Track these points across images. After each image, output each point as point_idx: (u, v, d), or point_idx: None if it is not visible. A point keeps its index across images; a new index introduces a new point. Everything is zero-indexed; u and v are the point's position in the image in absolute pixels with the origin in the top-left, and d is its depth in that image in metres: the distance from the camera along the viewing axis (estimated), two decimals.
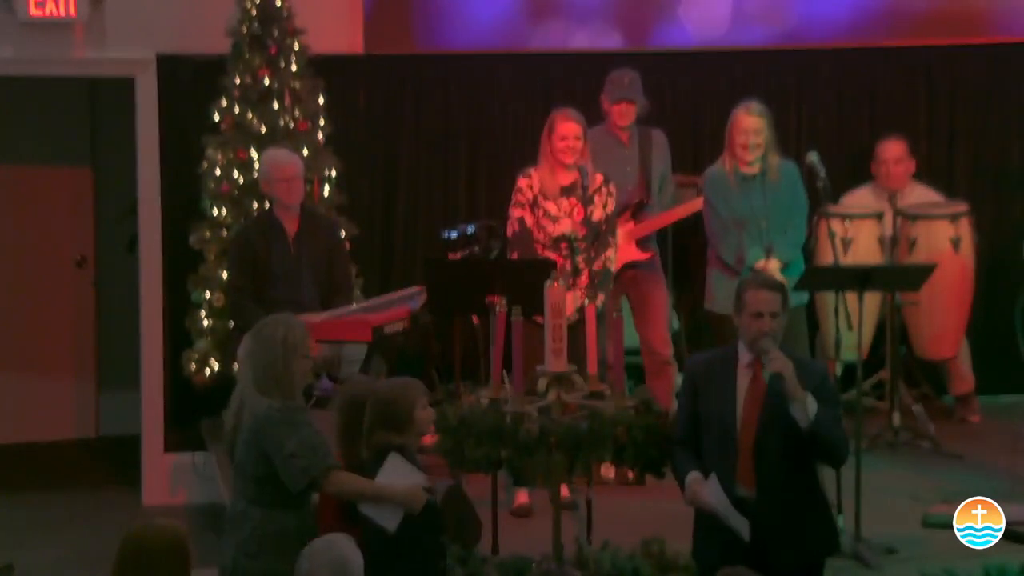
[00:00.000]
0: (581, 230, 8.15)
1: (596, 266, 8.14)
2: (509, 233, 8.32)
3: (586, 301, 7.25)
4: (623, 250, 8.78)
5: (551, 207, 8.19)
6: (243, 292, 8.66)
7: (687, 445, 6.27)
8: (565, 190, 8.19)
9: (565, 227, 8.18)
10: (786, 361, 6.07)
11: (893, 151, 9.75)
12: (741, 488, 6.19)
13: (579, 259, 8.04)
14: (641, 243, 8.86)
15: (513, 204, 8.25)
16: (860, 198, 9.75)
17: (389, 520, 6.00)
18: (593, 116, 9.12)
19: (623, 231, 8.78)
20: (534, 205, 8.20)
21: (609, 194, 8.19)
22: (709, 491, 6.12)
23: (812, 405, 6.11)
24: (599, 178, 8.24)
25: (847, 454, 6.43)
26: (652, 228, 8.91)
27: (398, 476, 6.07)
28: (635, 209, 8.84)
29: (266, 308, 8.57)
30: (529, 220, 8.18)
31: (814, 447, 6.17)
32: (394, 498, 6.01)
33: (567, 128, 8.16)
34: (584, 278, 7.99)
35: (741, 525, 6.11)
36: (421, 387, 6.27)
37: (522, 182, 8.24)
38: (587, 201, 8.13)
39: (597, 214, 8.20)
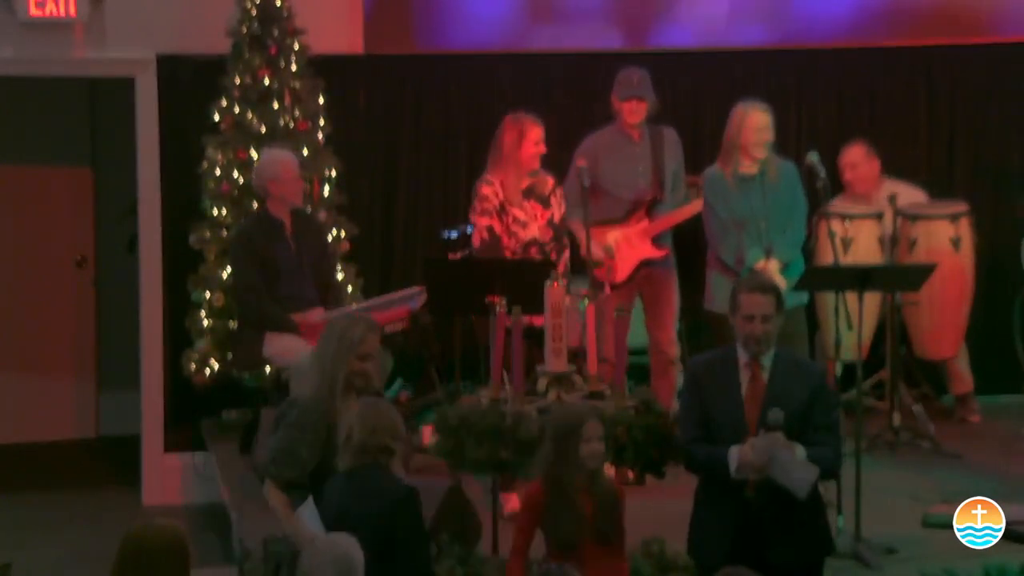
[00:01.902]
0: (547, 233, 8.22)
1: (560, 268, 8.19)
2: (477, 243, 8.33)
3: (586, 301, 7.26)
4: (639, 248, 8.81)
5: (518, 213, 8.23)
6: (260, 292, 8.65)
7: (701, 443, 6.23)
8: (525, 193, 8.25)
9: (533, 232, 8.23)
10: (757, 463, 6.05)
11: (851, 157, 9.74)
12: (748, 489, 6.17)
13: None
14: (656, 240, 8.88)
15: (479, 213, 8.28)
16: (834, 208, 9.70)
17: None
18: (594, 116, 9.13)
19: (638, 229, 8.80)
20: (501, 212, 8.23)
21: (562, 196, 8.25)
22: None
23: (805, 472, 6.08)
24: (550, 181, 8.30)
25: (840, 466, 6.42)
26: (667, 225, 8.92)
27: (314, 520, 6.07)
28: (649, 206, 8.86)
29: (278, 305, 8.65)
30: (497, 228, 8.21)
31: None
32: (293, 535, 6.07)
33: (538, 133, 8.24)
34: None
35: (804, 478, 6.06)
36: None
37: (486, 190, 8.27)
38: (546, 203, 8.22)
39: (557, 216, 8.27)
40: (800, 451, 6.07)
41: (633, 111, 8.83)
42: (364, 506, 5.77)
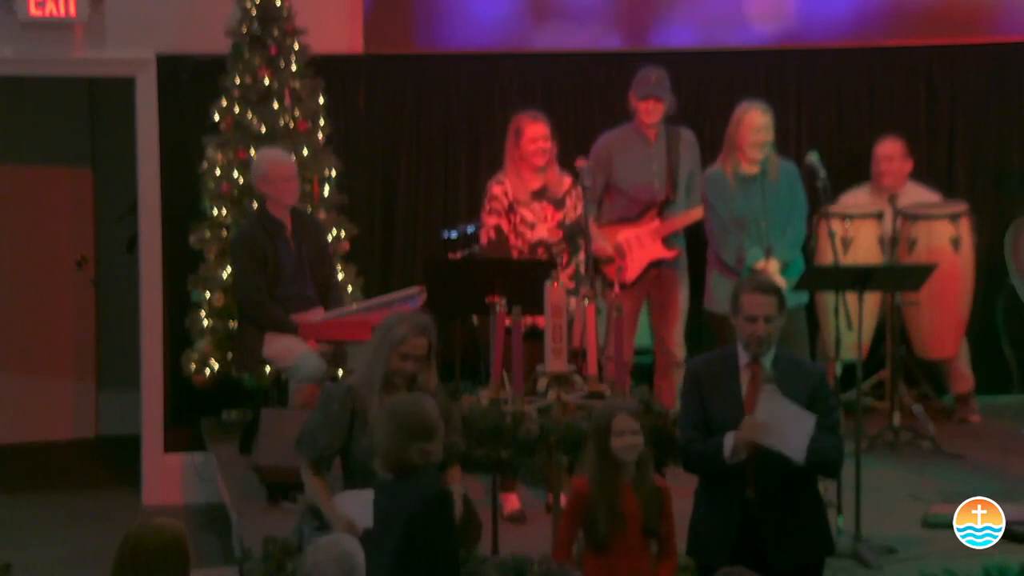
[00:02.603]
0: (556, 235, 8.19)
1: (570, 270, 8.16)
2: (484, 241, 8.32)
3: (586, 302, 7.26)
4: (649, 248, 8.80)
5: (527, 213, 8.21)
6: (262, 291, 8.67)
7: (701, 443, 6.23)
8: (536, 195, 8.22)
9: (542, 233, 8.21)
10: (757, 426, 6.05)
11: (889, 149, 9.73)
12: (749, 489, 6.16)
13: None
14: (667, 241, 8.88)
15: (488, 212, 8.26)
16: (857, 198, 9.74)
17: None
18: (594, 116, 9.12)
19: (649, 229, 8.80)
20: (509, 212, 8.22)
21: (579, 197, 8.18)
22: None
23: (801, 425, 6.06)
24: (567, 182, 8.26)
25: (842, 464, 6.39)
26: (678, 226, 8.92)
27: (352, 505, 6.08)
28: (661, 207, 8.85)
29: (279, 305, 8.66)
30: (505, 227, 8.20)
31: (811, 467, 6.14)
32: (331, 520, 6.13)
33: (536, 130, 8.17)
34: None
35: (802, 434, 6.02)
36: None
37: (496, 189, 8.25)
38: (559, 204, 8.19)
39: (570, 217, 8.24)
40: (812, 420, 6.03)
41: (650, 111, 8.82)
42: (400, 509, 5.75)
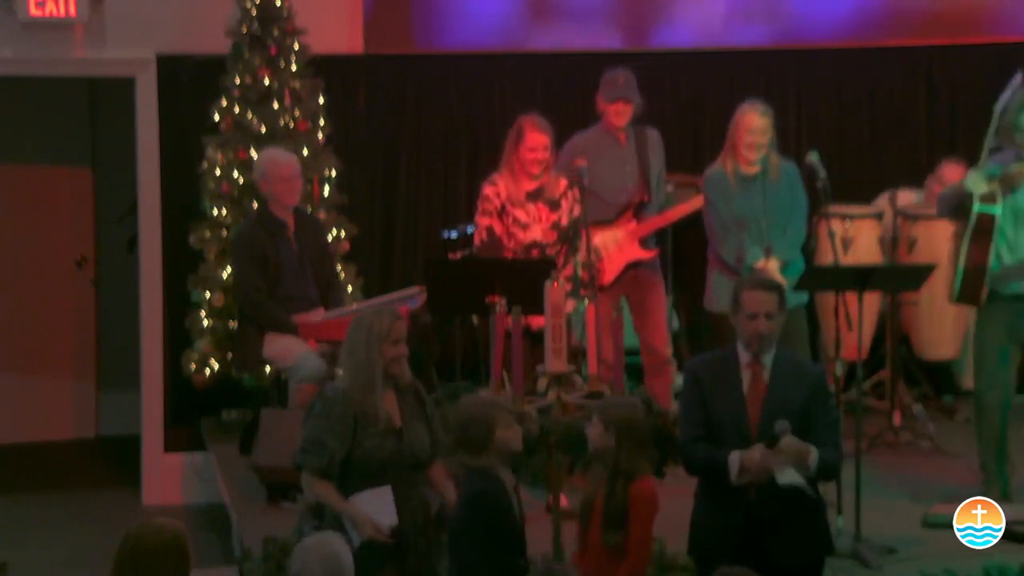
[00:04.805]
0: (550, 236, 8.18)
1: (567, 271, 8.15)
2: (477, 242, 8.33)
3: (586, 302, 7.26)
4: (627, 250, 8.79)
5: (520, 214, 8.20)
6: (263, 292, 8.67)
7: (702, 442, 6.22)
8: (531, 196, 8.21)
9: (535, 234, 8.20)
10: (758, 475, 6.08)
11: (953, 174, 9.68)
12: (751, 494, 6.15)
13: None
14: (644, 242, 8.87)
15: (480, 213, 8.27)
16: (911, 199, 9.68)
17: (352, 535, 6.13)
18: (594, 116, 9.12)
19: (626, 230, 8.78)
20: (502, 213, 8.21)
21: (575, 199, 8.16)
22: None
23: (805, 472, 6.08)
24: (563, 183, 8.24)
25: (840, 466, 6.39)
26: (655, 227, 8.91)
27: (372, 506, 6.11)
28: (637, 208, 8.84)
29: (281, 305, 8.66)
30: (498, 228, 8.19)
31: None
32: (348, 517, 6.13)
33: (536, 139, 8.16)
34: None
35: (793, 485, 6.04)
36: (502, 406, 6.16)
37: (488, 190, 8.25)
38: (555, 206, 8.17)
39: (565, 219, 8.22)
40: (814, 452, 6.02)
41: (620, 113, 8.80)
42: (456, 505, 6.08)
